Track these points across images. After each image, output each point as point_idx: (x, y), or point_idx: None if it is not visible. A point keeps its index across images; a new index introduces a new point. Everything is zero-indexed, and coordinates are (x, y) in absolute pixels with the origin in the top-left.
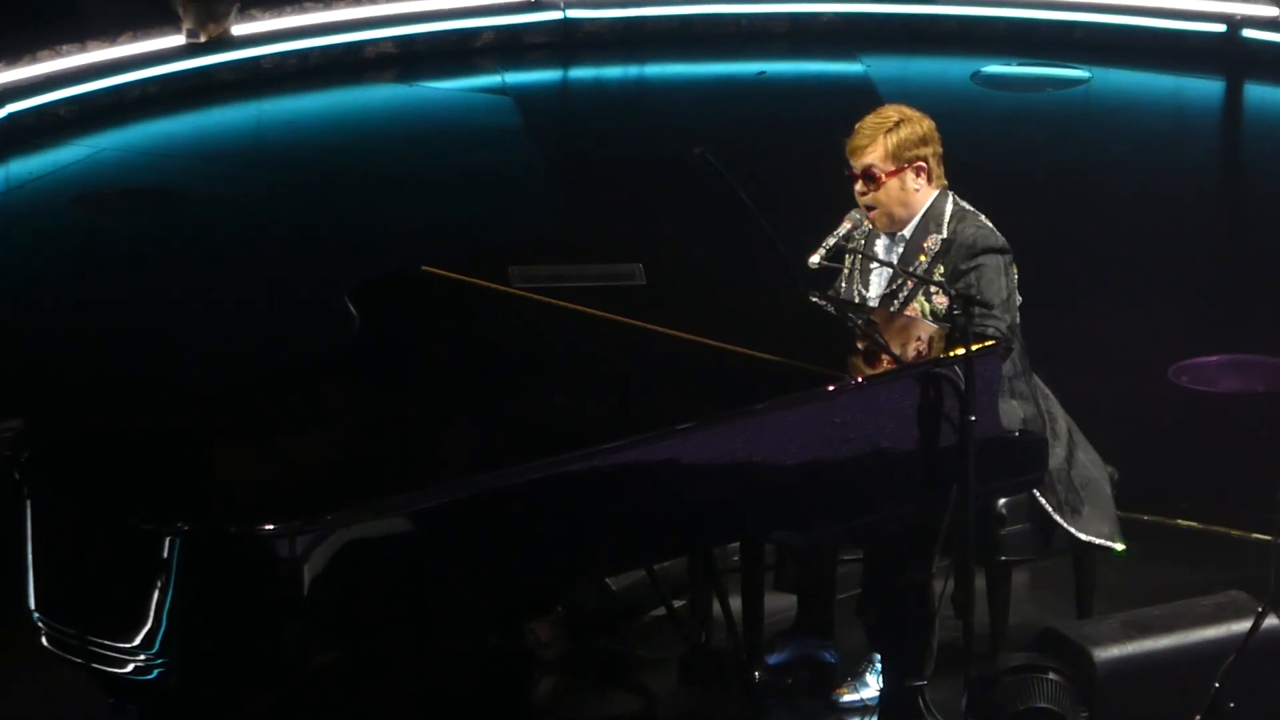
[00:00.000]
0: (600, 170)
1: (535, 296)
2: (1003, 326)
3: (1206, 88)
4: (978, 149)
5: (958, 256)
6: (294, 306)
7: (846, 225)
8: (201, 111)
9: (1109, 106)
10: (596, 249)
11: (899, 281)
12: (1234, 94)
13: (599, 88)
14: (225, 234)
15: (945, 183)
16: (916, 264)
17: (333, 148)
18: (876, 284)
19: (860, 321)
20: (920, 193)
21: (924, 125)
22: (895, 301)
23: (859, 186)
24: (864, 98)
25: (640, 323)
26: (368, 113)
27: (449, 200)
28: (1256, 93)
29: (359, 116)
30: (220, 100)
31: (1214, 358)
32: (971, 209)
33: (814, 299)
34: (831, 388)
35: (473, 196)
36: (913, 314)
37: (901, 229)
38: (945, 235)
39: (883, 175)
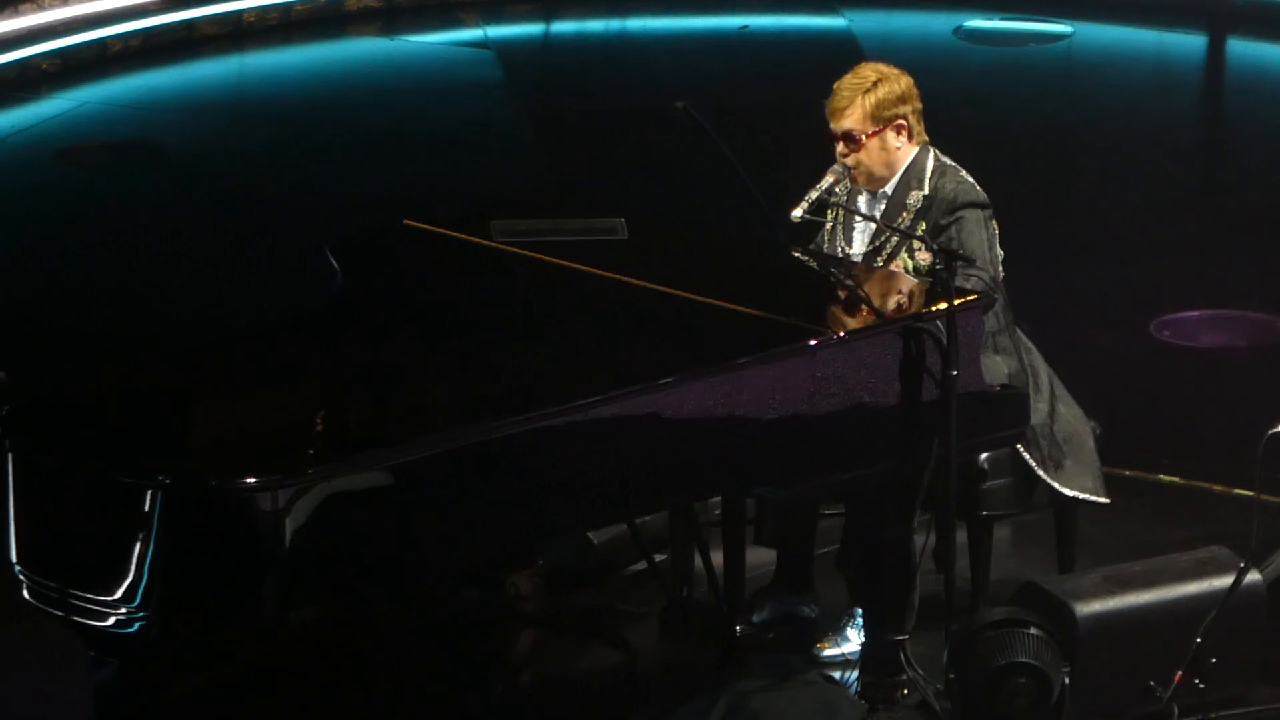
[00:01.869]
0: (582, 124)
1: (516, 250)
2: (985, 278)
3: (1189, 43)
4: (959, 104)
5: (938, 212)
6: (275, 260)
7: (829, 179)
8: (184, 65)
9: (1091, 61)
10: (578, 203)
11: (883, 238)
12: (1216, 49)
13: (581, 42)
14: (207, 187)
15: (926, 139)
16: (899, 220)
17: (315, 101)
18: (860, 240)
19: (842, 275)
20: (901, 150)
21: (902, 83)
22: (879, 258)
23: (840, 147)
24: (846, 52)
25: (621, 277)
26: (350, 67)
27: (431, 154)
28: (1238, 48)
29: (341, 70)
30: (203, 54)
31: (1196, 312)
32: (952, 164)
33: (796, 253)
34: (813, 342)
35: (454, 150)
36: (896, 270)
37: (883, 186)
38: (926, 191)
39: (863, 136)
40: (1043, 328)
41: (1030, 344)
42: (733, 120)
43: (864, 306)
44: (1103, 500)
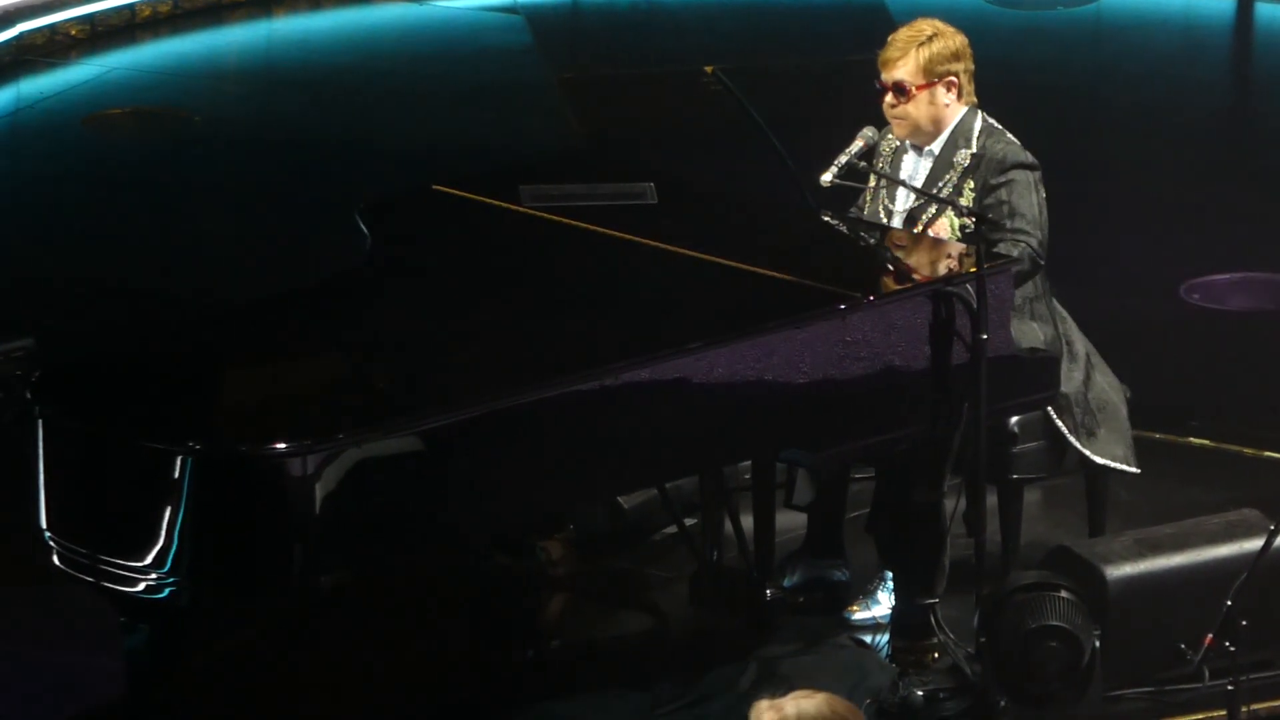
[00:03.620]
0: (612, 89)
1: (546, 216)
2: (1034, 243)
3: (1217, 7)
4: (987, 67)
5: (988, 171)
6: (304, 226)
7: (859, 143)
8: (212, 31)
9: (1119, 25)
10: (608, 168)
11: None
12: (1245, 13)
13: (610, 6)
14: (235, 154)
15: (975, 100)
16: (946, 179)
17: (344, 67)
18: (904, 199)
19: (872, 240)
20: (950, 108)
21: (957, 41)
22: (922, 216)
23: (889, 99)
24: (876, 17)
25: (651, 242)
26: (379, 31)
27: (460, 119)
28: (1267, 11)
29: (370, 35)
30: (231, 19)
31: (1225, 276)
32: (999, 126)
33: (826, 217)
34: (842, 306)
35: (483, 116)
36: (939, 230)
37: (929, 143)
38: (975, 150)
39: (913, 89)
40: (1072, 292)
41: (1065, 313)
42: (762, 86)
43: (894, 270)
44: (1133, 470)
